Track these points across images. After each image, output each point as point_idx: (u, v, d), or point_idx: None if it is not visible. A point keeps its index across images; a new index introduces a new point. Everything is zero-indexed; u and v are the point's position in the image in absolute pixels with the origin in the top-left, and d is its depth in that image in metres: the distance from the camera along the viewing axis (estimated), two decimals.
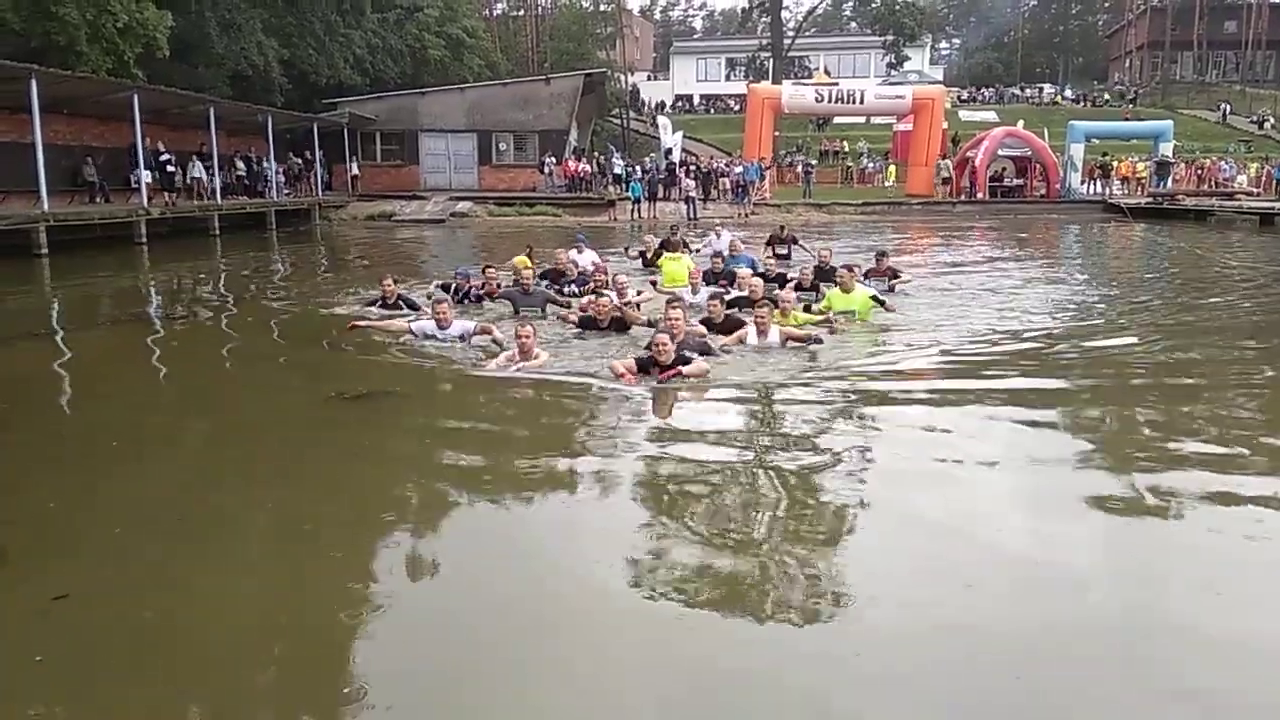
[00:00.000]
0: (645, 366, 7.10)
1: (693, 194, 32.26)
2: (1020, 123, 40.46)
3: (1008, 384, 7.61)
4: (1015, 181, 35.66)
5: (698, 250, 16.41)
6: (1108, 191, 35.35)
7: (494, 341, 8.46)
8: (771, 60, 58.19)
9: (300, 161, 32.53)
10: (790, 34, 61.71)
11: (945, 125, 39.56)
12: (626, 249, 17.30)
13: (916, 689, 3.10)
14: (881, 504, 4.72)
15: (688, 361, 7.11)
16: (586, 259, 13.87)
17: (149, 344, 9.85)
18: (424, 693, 3.09)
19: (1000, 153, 35.38)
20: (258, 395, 7.57)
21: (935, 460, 5.40)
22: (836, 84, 39.70)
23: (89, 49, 23.18)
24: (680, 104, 64.63)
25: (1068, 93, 63.03)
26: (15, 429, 6.28)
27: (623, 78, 55.93)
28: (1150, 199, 33.25)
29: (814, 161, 40.42)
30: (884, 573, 3.93)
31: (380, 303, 10.79)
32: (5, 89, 19.07)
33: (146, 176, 22.88)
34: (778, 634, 3.43)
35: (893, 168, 39.93)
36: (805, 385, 7.23)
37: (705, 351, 8.00)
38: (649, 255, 15.23)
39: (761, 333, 8.39)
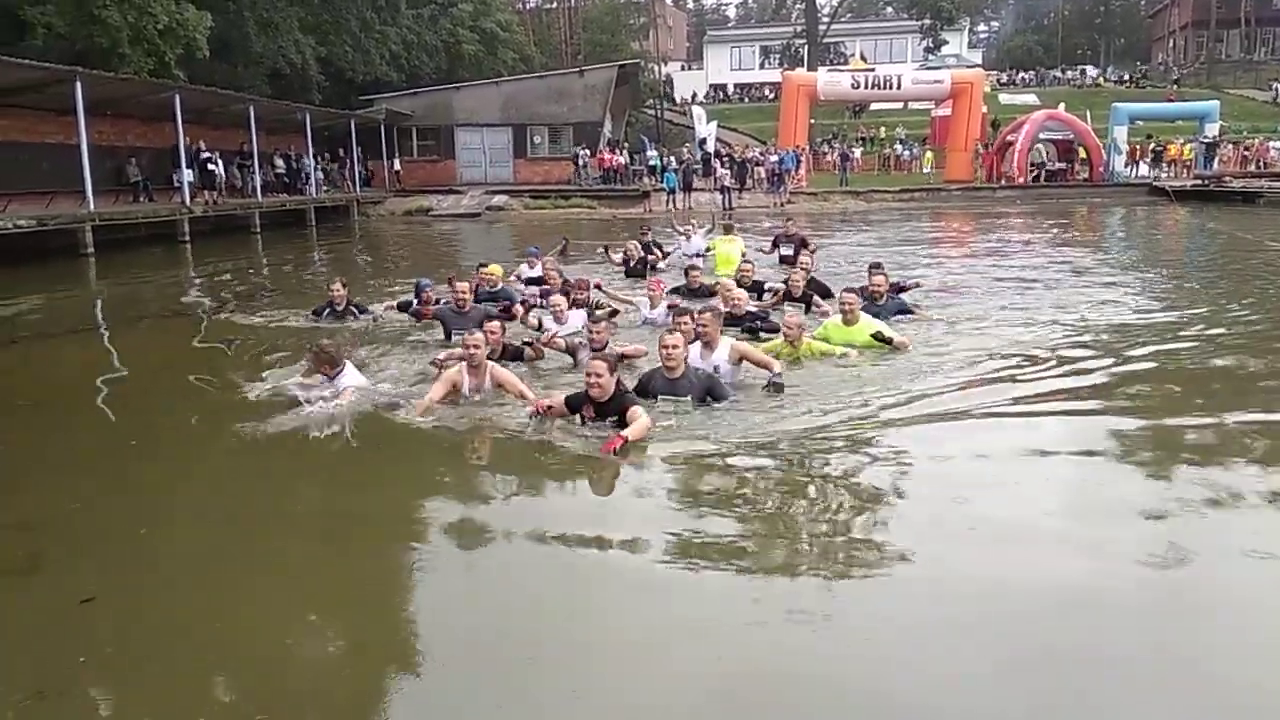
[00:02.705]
0: (576, 404, 5.84)
1: (728, 184, 32.11)
2: (1061, 105, 39.76)
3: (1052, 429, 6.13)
4: (1058, 165, 35.01)
5: (667, 255, 15.19)
6: (1153, 174, 34.63)
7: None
8: (806, 47, 57.66)
9: (333, 162, 32.86)
10: (825, 20, 61.16)
11: (985, 109, 38.99)
12: (607, 248, 15.66)
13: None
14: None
15: (622, 414, 5.61)
16: (537, 273, 12.37)
17: (189, 342, 9.99)
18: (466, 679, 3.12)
19: (1041, 136, 34.78)
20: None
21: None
22: (873, 70, 39.20)
23: (131, 51, 23.56)
24: (714, 93, 64.31)
25: (1110, 74, 61.82)
26: (49, 429, 6.36)
27: (656, 68, 55.87)
28: (1197, 181, 32.53)
29: (857, 150, 40.05)
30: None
31: (328, 310, 9.98)
32: (52, 91, 19.44)
33: (189, 176, 23.26)
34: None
35: (930, 154, 39.44)
36: (773, 447, 5.53)
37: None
38: (632, 263, 13.79)
39: (707, 346, 6.89)
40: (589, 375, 5.73)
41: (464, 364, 6.47)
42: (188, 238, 21.56)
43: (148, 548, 4.38)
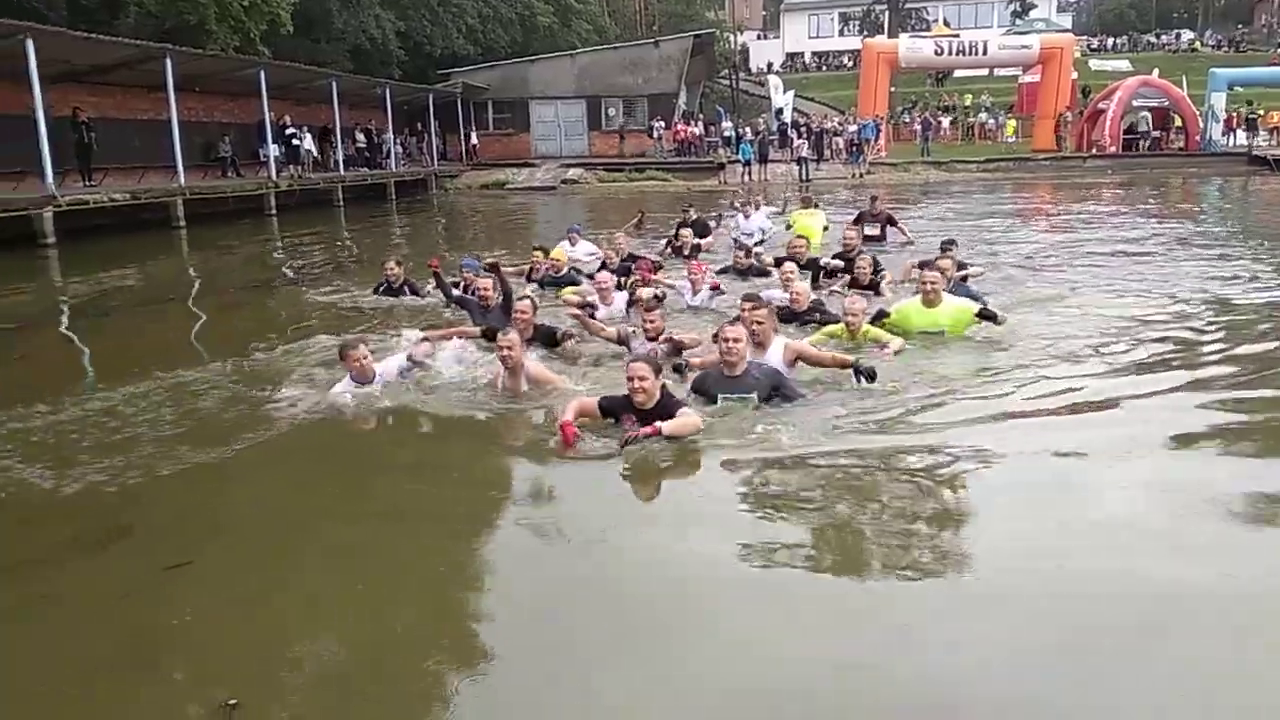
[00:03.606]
0: (614, 410, 5.16)
1: (804, 154, 31.58)
2: (1155, 71, 38.06)
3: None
4: (1153, 133, 33.54)
5: (717, 230, 14.30)
6: (1252, 142, 32.98)
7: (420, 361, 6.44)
8: (887, 13, 56.18)
9: (412, 136, 33.26)
10: None
11: (1074, 76, 37.54)
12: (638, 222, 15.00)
13: None
14: None
15: (669, 413, 4.97)
16: (581, 251, 12.14)
17: (278, 310, 10.23)
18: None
19: (1134, 103, 33.39)
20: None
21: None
22: (957, 35, 38.01)
23: (218, 28, 24.15)
24: (791, 62, 63.23)
25: (1208, 38, 58.95)
26: (135, 399, 6.48)
27: (732, 37, 55.09)
28: None
29: (946, 119, 38.97)
30: None
31: (384, 287, 9.83)
32: (143, 69, 20.02)
33: (275, 150, 23.81)
34: None
35: (1012, 122, 38.13)
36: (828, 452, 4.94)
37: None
38: (676, 243, 12.85)
39: (758, 346, 6.01)
40: (632, 379, 5.01)
41: (500, 367, 5.91)
42: (274, 211, 22.13)
43: (230, 517, 4.47)
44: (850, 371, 5.85)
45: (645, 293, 7.92)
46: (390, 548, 4.09)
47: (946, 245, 9.13)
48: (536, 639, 3.27)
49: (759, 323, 6.04)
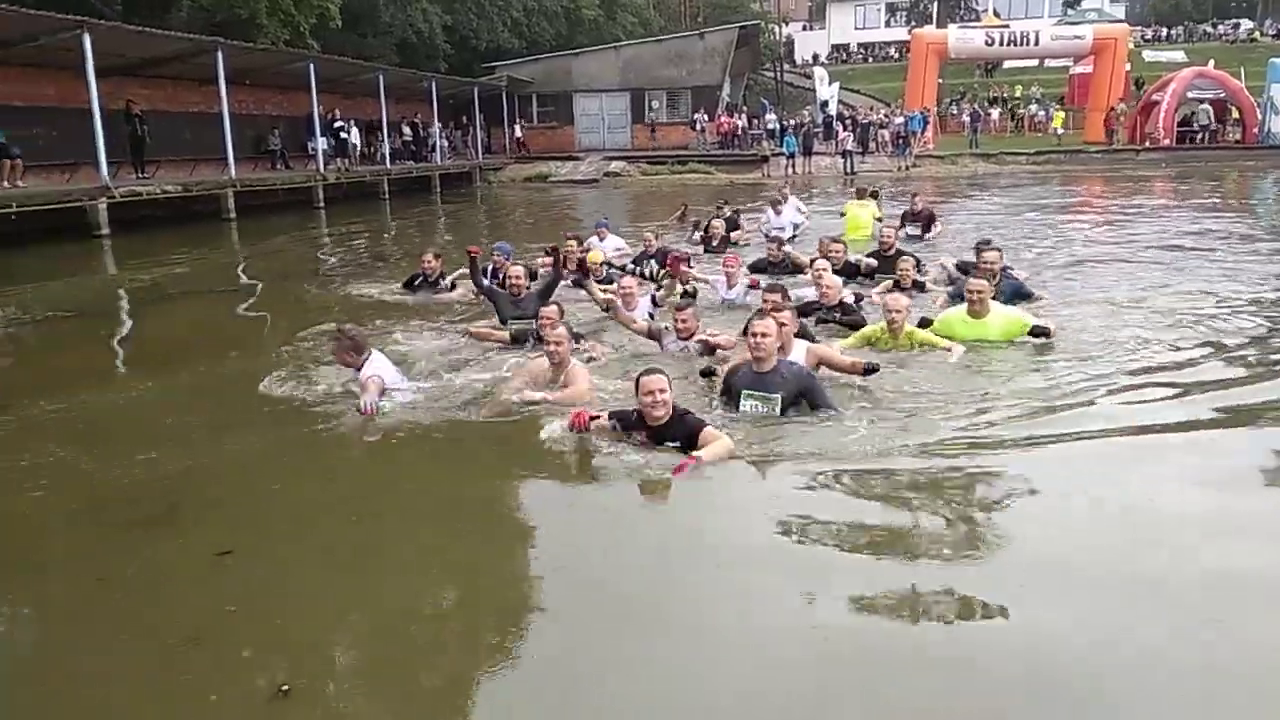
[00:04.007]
0: (625, 425, 4.80)
1: (849, 147, 31.26)
2: (1211, 62, 37.10)
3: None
4: (1211, 126, 32.64)
5: (746, 226, 14.12)
6: None
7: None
8: (935, 3, 55.49)
9: (457, 129, 33.42)
10: None
11: (1128, 67, 36.75)
12: (684, 212, 15.03)
13: None
14: None
15: (692, 438, 4.55)
16: (610, 246, 11.65)
17: (325, 302, 10.32)
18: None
19: (1190, 95, 32.59)
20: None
21: None
22: (1008, 25, 37.42)
23: (268, 21, 24.48)
24: (837, 54, 62.60)
25: (1268, 27, 57.31)
26: (182, 388, 6.59)
27: (777, 29, 54.71)
28: None
29: (995, 111, 38.29)
30: None
31: (421, 279, 9.60)
32: (195, 62, 20.33)
33: (323, 144, 24.10)
34: None
35: (1060, 114, 37.45)
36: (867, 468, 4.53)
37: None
38: (705, 234, 12.81)
39: (779, 349, 5.44)
40: (651, 392, 4.59)
41: (546, 361, 5.74)
42: (322, 203, 22.39)
43: (276, 505, 4.48)
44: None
45: (675, 291, 7.69)
46: (426, 540, 4.07)
47: (982, 246, 8.43)
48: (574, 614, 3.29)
49: (779, 324, 5.52)
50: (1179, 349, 6.71)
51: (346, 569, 3.74)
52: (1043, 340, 6.65)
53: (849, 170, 30.24)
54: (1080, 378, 5.99)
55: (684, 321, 6.61)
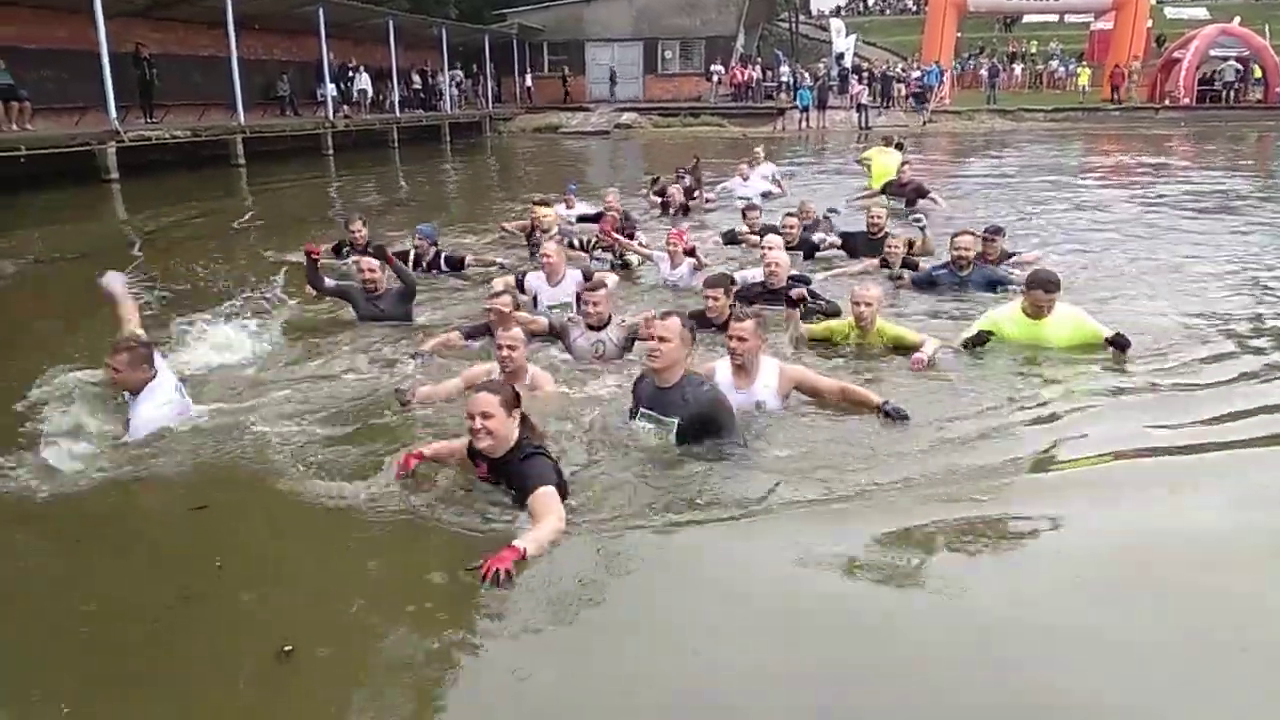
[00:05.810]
0: (474, 454, 3.68)
1: (865, 101, 30.83)
2: (1236, 19, 36.34)
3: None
4: (1235, 84, 32.06)
5: (714, 193, 12.69)
6: None
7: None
8: None
9: (467, 78, 33.01)
10: None
11: (1149, 23, 36.04)
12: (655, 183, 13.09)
13: None
14: None
15: (524, 494, 3.46)
16: (577, 214, 10.53)
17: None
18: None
19: (1212, 54, 32.00)
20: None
21: None
22: None
23: None
24: (853, 5, 61.51)
25: None
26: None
27: None
28: None
29: (1017, 66, 37.61)
30: None
31: (348, 247, 8.40)
32: (204, 5, 20.03)
33: (332, 90, 23.87)
34: None
35: (1086, 71, 36.80)
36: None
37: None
38: (673, 208, 11.46)
39: (741, 372, 4.52)
40: (470, 415, 3.52)
41: (498, 369, 4.56)
42: (330, 150, 22.23)
43: (246, 463, 4.23)
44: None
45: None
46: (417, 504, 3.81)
47: (993, 233, 7.64)
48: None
49: (740, 339, 4.40)
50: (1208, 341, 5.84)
51: (346, 533, 3.68)
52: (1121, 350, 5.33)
53: (864, 125, 29.85)
54: (1098, 388, 5.01)
55: (594, 306, 5.33)
